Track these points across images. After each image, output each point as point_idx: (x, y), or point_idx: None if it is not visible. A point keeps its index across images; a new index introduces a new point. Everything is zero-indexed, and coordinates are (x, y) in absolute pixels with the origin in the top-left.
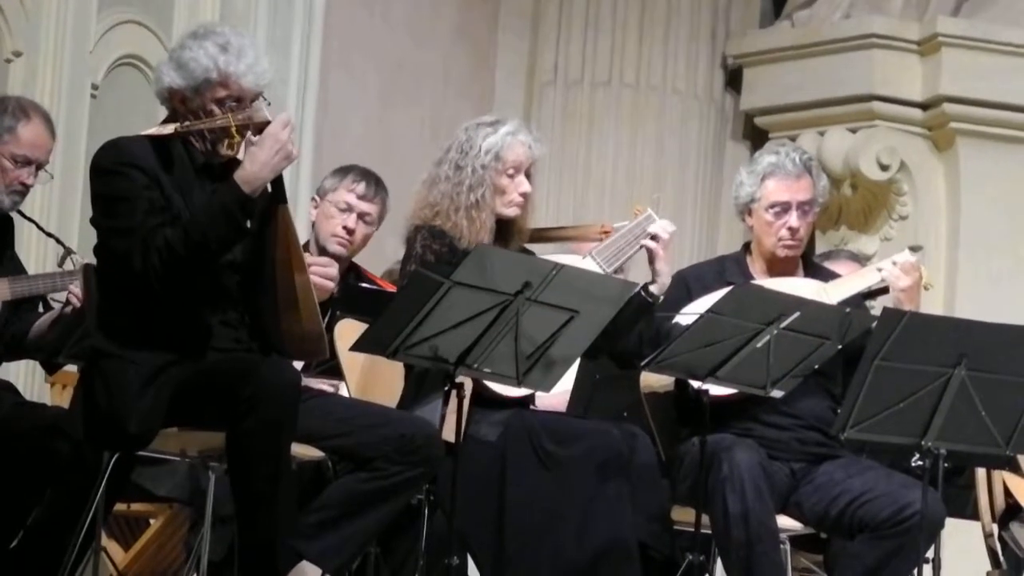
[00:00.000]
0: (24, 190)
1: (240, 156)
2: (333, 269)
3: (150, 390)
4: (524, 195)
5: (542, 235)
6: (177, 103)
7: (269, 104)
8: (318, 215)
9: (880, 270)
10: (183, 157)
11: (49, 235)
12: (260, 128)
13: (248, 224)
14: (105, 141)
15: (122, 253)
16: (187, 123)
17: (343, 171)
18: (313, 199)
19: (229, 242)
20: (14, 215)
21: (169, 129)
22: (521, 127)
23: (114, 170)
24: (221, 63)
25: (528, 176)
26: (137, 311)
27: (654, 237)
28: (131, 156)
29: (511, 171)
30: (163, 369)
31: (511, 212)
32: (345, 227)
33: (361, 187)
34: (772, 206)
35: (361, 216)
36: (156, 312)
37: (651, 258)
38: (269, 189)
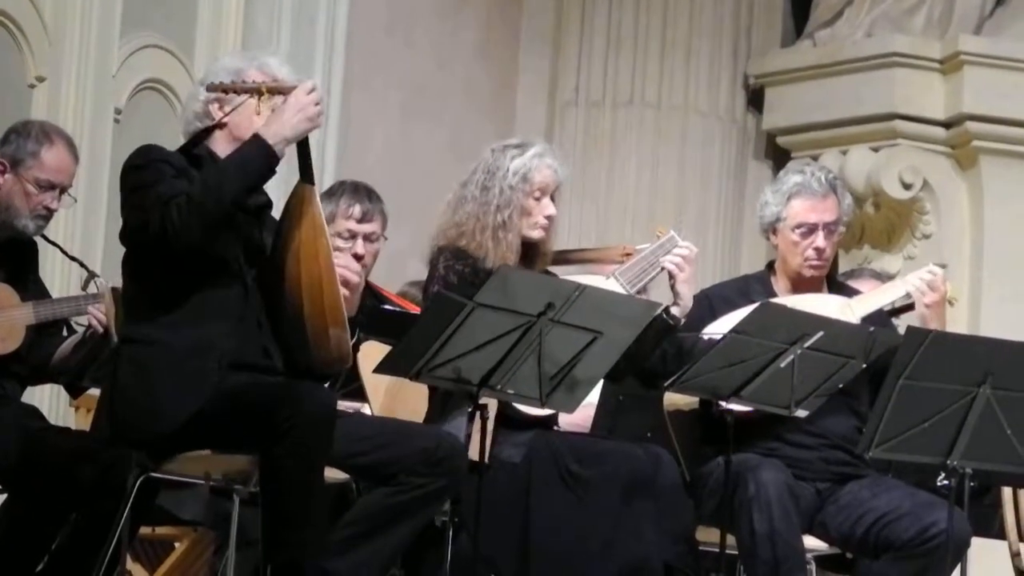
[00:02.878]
0: (48, 214)
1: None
2: (354, 263)
3: (182, 373)
4: (549, 218)
5: (565, 257)
6: (216, 108)
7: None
8: None
9: (907, 286)
10: (211, 164)
11: (73, 259)
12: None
13: (272, 172)
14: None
15: (138, 223)
16: (219, 83)
17: (333, 196)
18: None
19: (246, 187)
20: (38, 239)
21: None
22: (548, 150)
23: (144, 164)
24: (255, 63)
25: (552, 199)
26: (166, 304)
27: (675, 259)
28: (161, 154)
29: (537, 193)
30: (198, 353)
31: (536, 234)
32: (355, 255)
33: (357, 209)
34: (798, 226)
35: (366, 237)
36: (187, 306)
37: (673, 280)
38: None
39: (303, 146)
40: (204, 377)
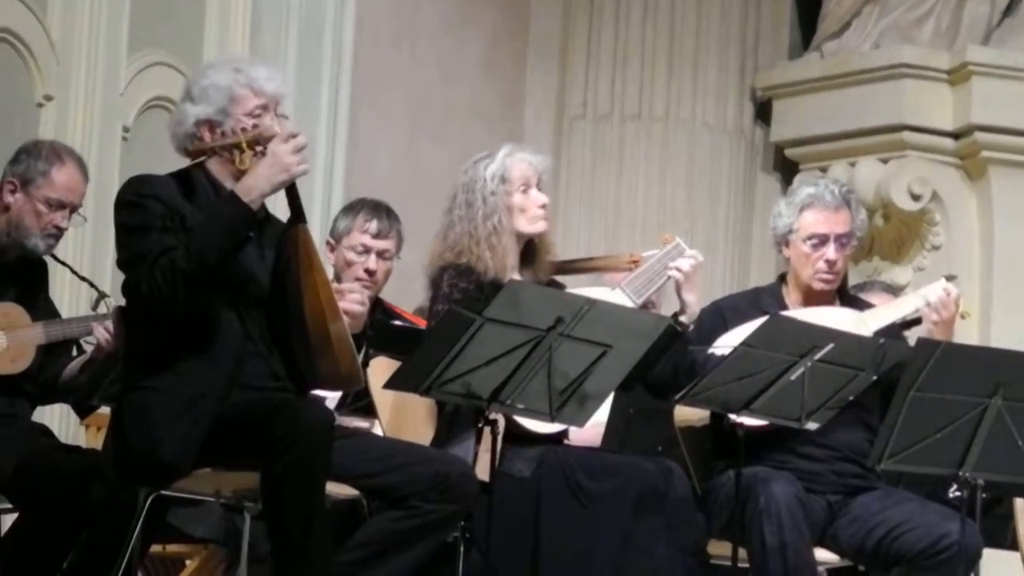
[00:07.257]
0: (58, 233)
1: None
2: (361, 295)
3: (183, 421)
4: (543, 207)
5: (572, 266)
6: (206, 133)
7: (287, 118)
8: (336, 259)
9: (920, 300)
10: (208, 191)
11: (83, 279)
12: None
13: (251, 234)
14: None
15: (133, 282)
16: (200, 143)
17: (352, 210)
18: (328, 243)
19: (227, 251)
20: (48, 259)
21: (187, 161)
22: (517, 147)
23: (135, 202)
24: (241, 79)
25: (539, 189)
26: (166, 347)
27: (681, 267)
28: (152, 188)
29: (522, 187)
30: (194, 401)
31: (538, 227)
32: (367, 270)
33: (374, 225)
34: (810, 238)
35: (380, 254)
36: (185, 348)
37: (679, 288)
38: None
39: (291, 188)
40: (205, 423)
